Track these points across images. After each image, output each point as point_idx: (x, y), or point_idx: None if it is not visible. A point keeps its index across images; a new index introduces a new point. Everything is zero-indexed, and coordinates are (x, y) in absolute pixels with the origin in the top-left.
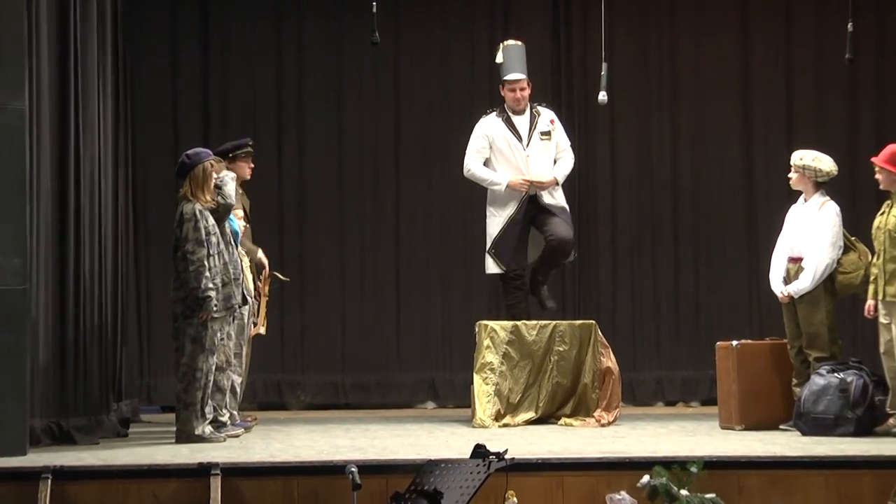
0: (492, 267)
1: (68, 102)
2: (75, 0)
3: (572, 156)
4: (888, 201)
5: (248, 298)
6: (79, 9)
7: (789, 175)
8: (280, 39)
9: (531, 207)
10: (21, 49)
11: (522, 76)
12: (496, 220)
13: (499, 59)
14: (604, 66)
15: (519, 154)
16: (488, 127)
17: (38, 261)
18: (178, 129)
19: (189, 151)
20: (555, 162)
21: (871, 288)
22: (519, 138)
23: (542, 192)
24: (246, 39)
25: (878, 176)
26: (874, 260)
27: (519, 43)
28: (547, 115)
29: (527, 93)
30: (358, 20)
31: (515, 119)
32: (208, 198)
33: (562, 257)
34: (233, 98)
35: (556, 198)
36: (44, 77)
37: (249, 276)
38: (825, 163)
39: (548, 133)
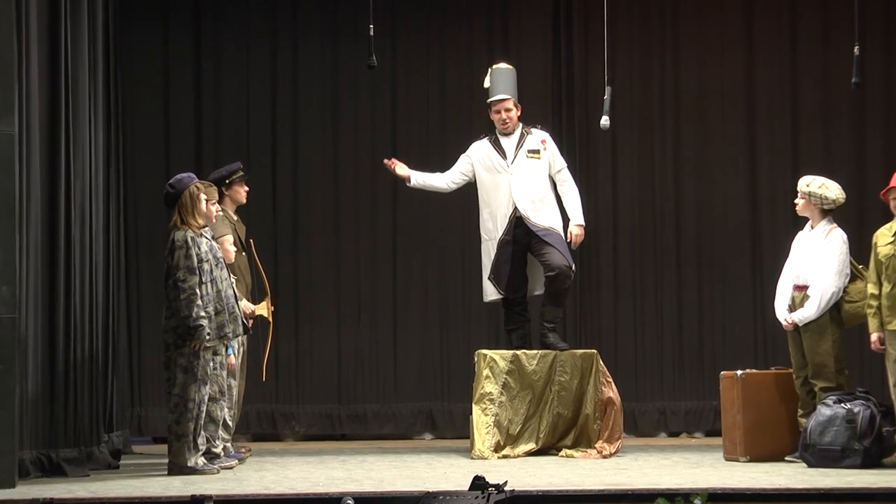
0: (491, 293)
1: (59, 127)
2: (66, 23)
3: (572, 179)
4: None
5: (247, 326)
6: (69, 32)
7: (795, 201)
8: (275, 62)
9: (522, 231)
10: (10, 72)
11: (507, 96)
12: (489, 245)
13: (486, 83)
14: (607, 90)
15: (504, 173)
16: (475, 149)
17: (28, 289)
18: (170, 155)
19: (171, 180)
20: (553, 183)
21: (873, 321)
22: (504, 157)
23: (531, 214)
24: (240, 63)
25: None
26: (884, 290)
27: (507, 66)
28: (538, 136)
29: (513, 114)
30: (354, 43)
31: (503, 140)
32: (200, 222)
33: (562, 284)
34: (226, 122)
35: (547, 219)
36: (34, 101)
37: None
38: (832, 190)
39: (536, 151)
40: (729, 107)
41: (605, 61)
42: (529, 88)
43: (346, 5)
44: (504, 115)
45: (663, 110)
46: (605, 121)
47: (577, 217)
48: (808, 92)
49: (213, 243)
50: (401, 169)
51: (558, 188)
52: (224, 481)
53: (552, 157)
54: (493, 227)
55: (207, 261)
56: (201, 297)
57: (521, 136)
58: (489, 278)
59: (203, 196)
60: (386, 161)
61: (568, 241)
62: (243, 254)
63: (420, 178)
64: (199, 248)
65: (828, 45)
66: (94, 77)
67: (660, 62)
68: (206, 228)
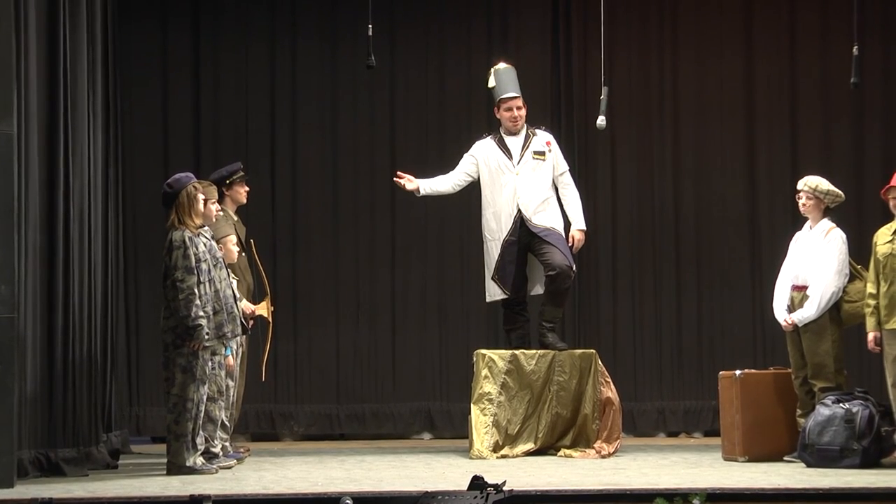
0: (496, 293)
1: (57, 127)
2: (65, 24)
3: (573, 183)
4: None
5: (246, 327)
6: (68, 33)
7: (803, 202)
8: (274, 63)
9: (525, 231)
10: (9, 73)
11: (518, 94)
12: (494, 245)
13: (491, 83)
14: (604, 89)
15: (509, 173)
16: (479, 148)
17: (27, 289)
18: (169, 155)
19: (169, 179)
20: (555, 187)
21: (871, 320)
22: (510, 157)
23: (534, 215)
24: (239, 63)
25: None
26: (882, 289)
27: (510, 66)
28: (543, 137)
29: (523, 112)
30: (353, 43)
31: (508, 140)
32: (197, 221)
33: (562, 284)
34: (224, 123)
35: (547, 219)
36: (32, 101)
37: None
38: (836, 188)
39: (542, 153)
40: (728, 107)
41: (602, 61)
42: (529, 88)
43: (344, 5)
44: (515, 112)
45: (662, 110)
46: (601, 121)
47: (578, 221)
48: (807, 92)
49: (213, 243)
50: (410, 184)
51: (560, 191)
52: (223, 481)
53: (556, 159)
54: (496, 228)
55: (205, 260)
56: (199, 297)
57: (527, 137)
58: (493, 278)
59: (201, 196)
60: (396, 179)
61: (570, 245)
62: (243, 254)
63: (427, 187)
64: (197, 248)
65: (827, 45)
66: (92, 77)
67: (658, 62)
68: (205, 228)
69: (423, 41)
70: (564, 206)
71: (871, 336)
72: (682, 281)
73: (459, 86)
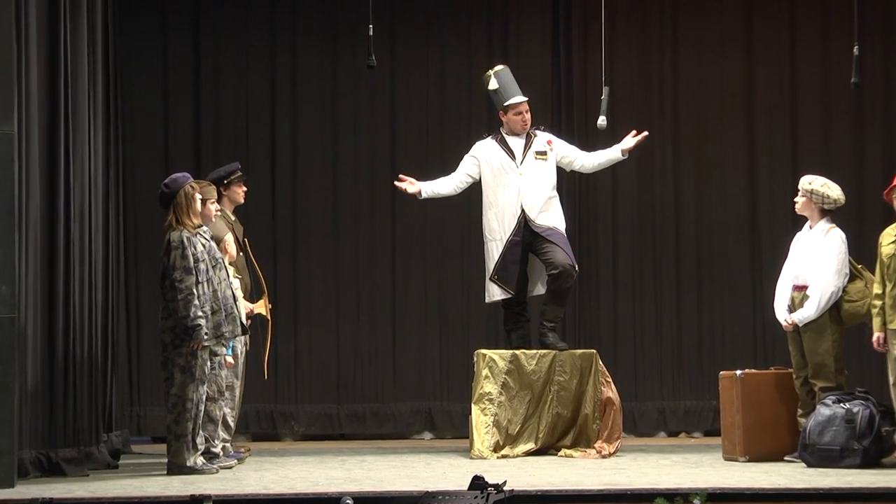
0: (496, 293)
1: (58, 127)
2: (65, 23)
3: None
4: None
5: (245, 327)
6: (69, 33)
7: (795, 199)
8: (274, 63)
9: (527, 231)
10: (10, 72)
11: (525, 98)
12: (495, 245)
13: (492, 85)
14: (605, 89)
15: (513, 173)
16: (480, 149)
17: (27, 289)
18: (169, 155)
19: (166, 180)
20: (556, 183)
21: (876, 320)
22: (512, 157)
23: (536, 215)
24: (239, 63)
25: None
26: (886, 289)
27: (506, 66)
28: (544, 137)
29: (529, 114)
30: (354, 43)
31: (511, 140)
32: (195, 221)
33: (564, 283)
34: (225, 122)
35: (550, 219)
36: (33, 101)
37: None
38: (834, 190)
39: (543, 153)
40: (728, 106)
41: (602, 61)
42: (529, 89)
43: (345, 5)
44: (525, 116)
45: (662, 110)
46: (601, 121)
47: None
48: (807, 91)
49: (212, 243)
50: (412, 187)
51: (583, 159)
52: (223, 481)
53: (564, 150)
54: (498, 228)
55: (203, 260)
56: (198, 297)
57: (529, 137)
58: (493, 279)
59: (198, 196)
60: (396, 183)
61: (634, 138)
62: (240, 254)
63: (429, 189)
64: (195, 248)
65: (827, 45)
66: (93, 77)
67: (659, 62)
68: (204, 228)
69: (423, 41)
70: (598, 158)
71: (875, 336)
72: (683, 281)
73: (459, 86)
